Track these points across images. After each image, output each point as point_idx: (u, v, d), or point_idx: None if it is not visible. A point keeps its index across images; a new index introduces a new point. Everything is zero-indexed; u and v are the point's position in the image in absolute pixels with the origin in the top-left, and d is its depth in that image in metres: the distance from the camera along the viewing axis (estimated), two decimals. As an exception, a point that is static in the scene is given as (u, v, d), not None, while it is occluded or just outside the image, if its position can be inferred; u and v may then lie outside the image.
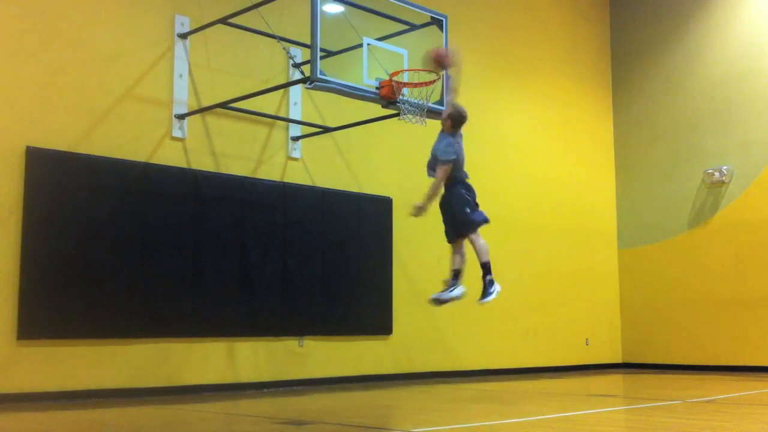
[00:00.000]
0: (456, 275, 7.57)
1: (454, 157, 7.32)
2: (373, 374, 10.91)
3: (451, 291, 7.51)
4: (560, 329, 13.63)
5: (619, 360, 14.79)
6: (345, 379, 10.56)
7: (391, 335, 11.21)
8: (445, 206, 7.57)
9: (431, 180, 7.47)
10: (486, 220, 7.55)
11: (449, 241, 7.63)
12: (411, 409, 8.12)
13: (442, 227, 7.65)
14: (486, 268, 7.51)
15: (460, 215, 7.44)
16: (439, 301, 7.58)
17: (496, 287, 7.53)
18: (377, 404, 8.51)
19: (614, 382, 11.86)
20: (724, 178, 13.70)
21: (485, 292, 7.51)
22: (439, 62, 7.91)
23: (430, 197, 7.40)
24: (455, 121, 7.42)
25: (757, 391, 9.62)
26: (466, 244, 7.63)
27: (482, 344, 12.55)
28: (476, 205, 7.56)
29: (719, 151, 13.90)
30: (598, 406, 8.03)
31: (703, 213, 14.01)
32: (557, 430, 6.14)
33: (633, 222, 14.99)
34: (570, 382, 11.25)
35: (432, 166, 7.49)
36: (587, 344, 14.22)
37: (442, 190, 7.52)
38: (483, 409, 7.82)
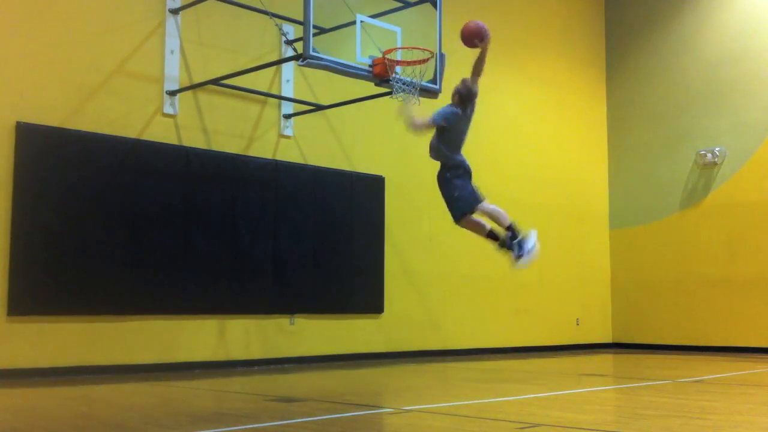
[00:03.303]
0: (503, 236, 6.79)
1: (440, 122, 6.76)
2: (364, 353, 10.93)
3: (523, 245, 6.71)
4: (551, 309, 13.67)
5: (609, 340, 14.86)
6: (336, 357, 10.57)
7: (382, 314, 11.22)
8: (440, 188, 6.94)
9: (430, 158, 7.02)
10: (477, 201, 6.77)
11: (457, 222, 6.89)
12: (401, 387, 8.14)
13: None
14: (512, 230, 6.72)
15: (449, 201, 6.82)
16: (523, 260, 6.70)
17: (533, 243, 6.72)
18: (368, 382, 8.53)
19: (604, 361, 11.92)
20: (716, 159, 13.70)
21: (521, 252, 6.68)
22: (471, 40, 6.82)
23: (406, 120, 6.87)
24: (462, 97, 6.87)
25: (746, 372, 9.68)
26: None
27: (473, 323, 12.58)
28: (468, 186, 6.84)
29: (712, 133, 13.89)
30: (588, 386, 8.07)
31: (695, 194, 14.02)
32: (547, 408, 6.16)
33: (625, 202, 15.00)
34: (560, 362, 11.30)
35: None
36: (578, 324, 14.28)
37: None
38: (473, 387, 7.85)
